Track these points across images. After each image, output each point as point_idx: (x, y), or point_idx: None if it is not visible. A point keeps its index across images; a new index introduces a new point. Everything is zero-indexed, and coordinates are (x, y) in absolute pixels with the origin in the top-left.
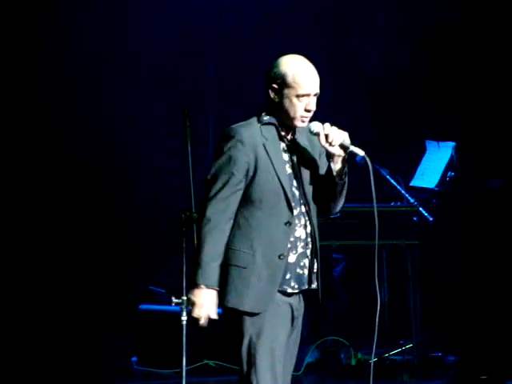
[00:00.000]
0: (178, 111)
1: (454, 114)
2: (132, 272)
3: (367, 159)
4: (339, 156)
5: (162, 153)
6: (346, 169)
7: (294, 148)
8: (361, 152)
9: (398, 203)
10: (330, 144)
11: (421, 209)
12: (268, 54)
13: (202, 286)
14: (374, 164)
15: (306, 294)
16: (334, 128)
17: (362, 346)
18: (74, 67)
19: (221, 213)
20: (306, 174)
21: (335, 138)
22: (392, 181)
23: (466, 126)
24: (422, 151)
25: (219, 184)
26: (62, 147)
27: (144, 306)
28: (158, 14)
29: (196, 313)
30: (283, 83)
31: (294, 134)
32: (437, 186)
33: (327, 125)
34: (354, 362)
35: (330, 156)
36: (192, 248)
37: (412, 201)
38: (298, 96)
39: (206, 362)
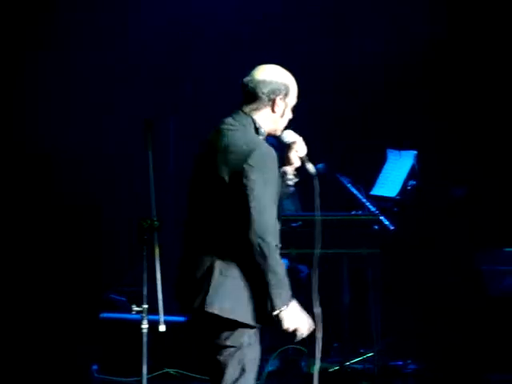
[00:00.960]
0: (142, 119)
1: (416, 123)
2: (93, 280)
3: (316, 181)
4: (295, 166)
5: (122, 160)
6: (296, 179)
7: None
8: (313, 170)
9: (359, 212)
10: (296, 153)
11: (382, 217)
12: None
13: (291, 303)
14: (336, 173)
15: None
16: (301, 139)
17: (324, 355)
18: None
19: (275, 233)
20: None
21: (302, 148)
22: (353, 189)
23: (428, 134)
24: (383, 160)
25: (270, 205)
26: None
27: (105, 314)
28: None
29: (306, 327)
30: (286, 94)
31: None
32: (398, 194)
33: (297, 135)
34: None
35: (287, 165)
36: (151, 256)
37: (373, 209)
38: (292, 106)
39: (166, 370)
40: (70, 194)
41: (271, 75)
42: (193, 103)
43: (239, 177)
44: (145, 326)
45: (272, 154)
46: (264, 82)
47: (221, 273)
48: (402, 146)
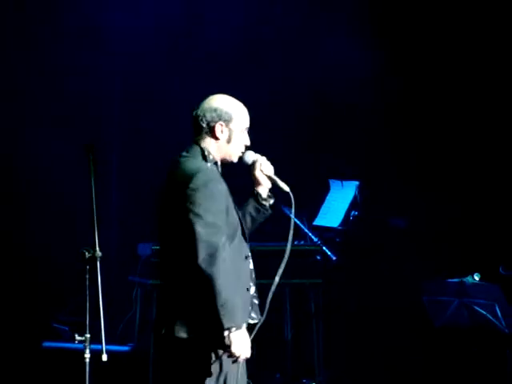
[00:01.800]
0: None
1: (358, 153)
2: (35, 310)
3: (291, 195)
4: (266, 187)
5: (65, 186)
6: (271, 200)
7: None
8: (286, 188)
9: (302, 242)
10: (261, 172)
11: (324, 248)
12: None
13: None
14: (278, 203)
15: None
16: (265, 158)
17: None
18: None
19: (222, 256)
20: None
21: (267, 167)
22: (296, 220)
23: (371, 165)
24: (325, 190)
25: (216, 227)
26: None
27: (47, 343)
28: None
29: (248, 354)
30: (228, 121)
31: None
32: (340, 225)
33: (259, 155)
34: None
35: (257, 185)
36: (94, 286)
37: (315, 240)
38: (243, 129)
39: None
40: (11, 220)
41: (213, 103)
42: (137, 132)
43: (184, 203)
44: (87, 355)
45: (212, 175)
46: (204, 110)
47: (182, 296)
48: (344, 177)
